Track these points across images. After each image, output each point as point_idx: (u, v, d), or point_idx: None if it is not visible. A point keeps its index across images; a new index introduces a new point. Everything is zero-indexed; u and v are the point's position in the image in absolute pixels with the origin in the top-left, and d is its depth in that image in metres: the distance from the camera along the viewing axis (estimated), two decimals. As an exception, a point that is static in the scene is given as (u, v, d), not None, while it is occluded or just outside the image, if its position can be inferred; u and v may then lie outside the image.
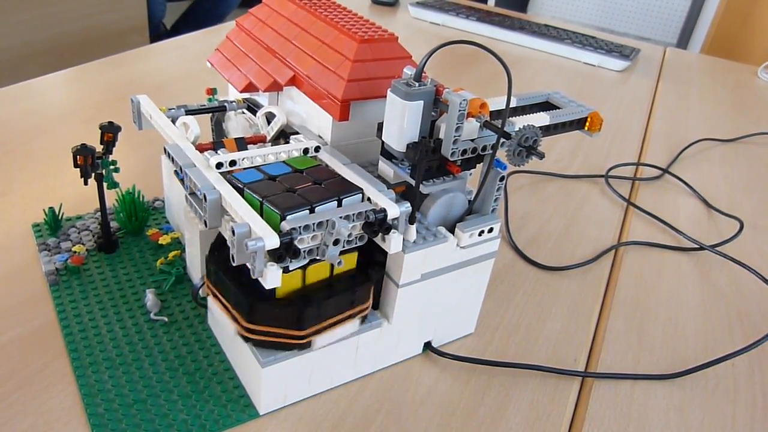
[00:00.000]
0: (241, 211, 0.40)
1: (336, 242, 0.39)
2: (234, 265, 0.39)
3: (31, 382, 0.45)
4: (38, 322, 0.50)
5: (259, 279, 0.38)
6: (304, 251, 0.39)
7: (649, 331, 0.59)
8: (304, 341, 0.42)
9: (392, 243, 0.42)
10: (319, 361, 0.45)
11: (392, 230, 0.42)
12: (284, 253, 0.37)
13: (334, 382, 0.48)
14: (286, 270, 0.40)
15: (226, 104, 0.58)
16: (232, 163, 0.45)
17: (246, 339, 0.43)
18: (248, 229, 0.38)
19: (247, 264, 0.38)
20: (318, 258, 0.40)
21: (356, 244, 0.42)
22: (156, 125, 0.53)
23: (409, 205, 0.43)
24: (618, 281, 0.65)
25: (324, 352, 0.45)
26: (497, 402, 0.49)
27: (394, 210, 0.42)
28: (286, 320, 0.41)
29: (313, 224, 0.39)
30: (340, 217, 0.39)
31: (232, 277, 0.43)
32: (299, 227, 0.38)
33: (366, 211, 0.41)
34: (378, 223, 0.41)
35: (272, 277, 0.38)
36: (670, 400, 0.51)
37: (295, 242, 0.38)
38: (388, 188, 0.45)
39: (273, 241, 0.37)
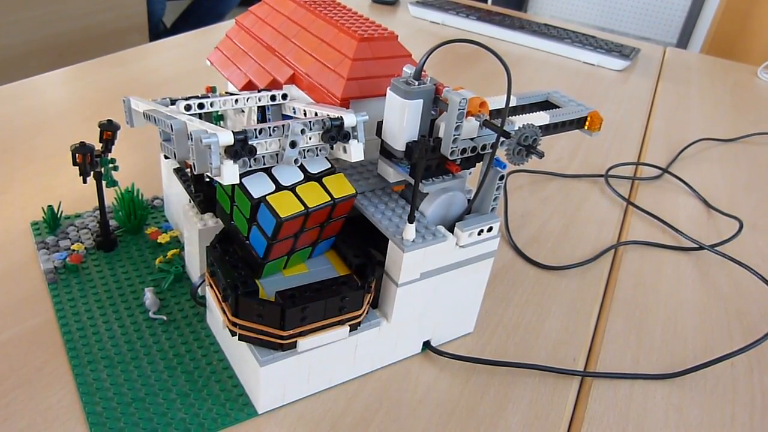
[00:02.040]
0: (201, 126, 0.41)
1: (293, 144, 0.41)
2: (195, 173, 0.41)
3: (29, 381, 0.45)
4: (37, 321, 0.50)
5: (216, 178, 0.39)
6: (264, 156, 0.40)
7: (648, 330, 0.59)
8: (287, 342, 0.42)
9: (353, 151, 0.43)
10: (318, 360, 0.45)
11: (351, 139, 0.43)
12: (240, 150, 0.39)
13: (333, 381, 0.48)
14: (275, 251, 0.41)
15: (209, 95, 0.57)
16: (200, 106, 0.47)
17: (232, 333, 0.43)
18: (205, 132, 0.39)
19: (207, 171, 0.39)
20: (278, 163, 0.42)
21: (317, 154, 0.43)
22: (142, 108, 0.52)
23: (365, 114, 0.44)
24: (617, 281, 0.65)
25: (322, 352, 0.45)
26: (496, 401, 0.49)
27: (351, 118, 0.43)
28: (270, 319, 0.41)
29: (270, 128, 0.40)
30: (295, 121, 0.41)
31: (225, 271, 0.43)
32: (255, 130, 0.40)
33: (323, 119, 0.42)
34: (335, 130, 0.42)
35: (229, 173, 0.38)
36: (669, 399, 0.51)
37: (251, 142, 0.39)
38: (386, 187, 0.45)
39: (227, 137, 0.38)
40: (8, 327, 0.50)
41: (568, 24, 1.53)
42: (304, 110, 0.49)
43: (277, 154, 0.41)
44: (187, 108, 0.48)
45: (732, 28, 2.56)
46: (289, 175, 0.44)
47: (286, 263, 0.46)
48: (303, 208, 0.42)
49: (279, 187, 0.43)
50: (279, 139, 0.41)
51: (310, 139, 0.43)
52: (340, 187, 0.44)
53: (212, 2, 2.48)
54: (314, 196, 0.43)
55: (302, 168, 0.44)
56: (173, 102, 0.55)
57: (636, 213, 0.78)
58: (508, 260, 0.66)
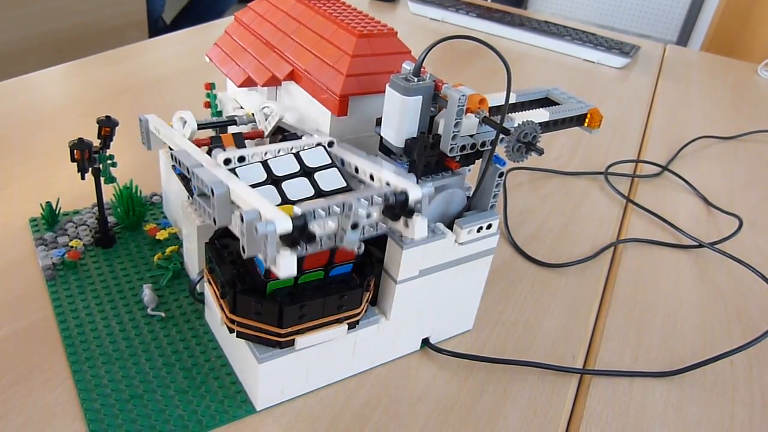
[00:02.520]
0: (250, 198, 0.38)
1: (354, 226, 0.36)
2: (244, 257, 0.36)
3: (27, 378, 0.45)
4: (35, 317, 0.50)
5: (272, 268, 0.35)
6: (321, 237, 0.36)
7: (647, 328, 0.59)
8: (285, 339, 0.42)
9: (417, 227, 0.38)
10: (317, 358, 0.45)
11: (415, 213, 0.38)
12: (298, 237, 0.34)
13: (332, 378, 0.48)
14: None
15: (236, 118, 0.57)
16: (241, 159, 0.44)
17: (230, 330, 0.43)
18: (258, 215, 0.35)
19: (259, 254, 0.35)
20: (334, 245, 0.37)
21: (375, 232, 0.39)
22: (165, 139, 0.51)
23: (431, 185, 0.40)
24: (617, 278, 0.65)
25: (321, 349, 0.44)
26: (495, 399, 0.49)
27: (416, 192, 0.38)
28: (268, 316, 0.41)
29: (329, 207, 0.36)
30: (359, 199, 0.36)
31: (223, 266, 0.43)
32: (313, 210, 0.35)
33: (386, 193, 0.38)
34: (399, 206, 0.38)
35: (286, 265, 0.35)
36: (668, 397, 0.51)
37: (310, 226, 0.35)
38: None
39: (285, 225, 0.34)
40: (6, 324, 0.49)
41: (568, 21, 1.53)
42: (356, 166, 0.45)
43: (335, 235, 0.37)
44: (227, 162, 0.43)
45: (732, 25, 2.55)
46: (298, 190, 0.41)
47: (296, 283, 0.43)
48: None
49: (285, 201, 0.41)
50: (338, 218, 0.36)
51: (369, 215, 0.37)
52: None
53: (212, -1, 2.47)
54: None
55: (314, 184, 0.42)
56: (200, 126, 0.53)
57: (636, 211, 0.78)
58: (508, 257, 0.66)
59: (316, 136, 0.49)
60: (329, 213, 0.36)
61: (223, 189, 0.40)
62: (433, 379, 0.49)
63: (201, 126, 0.54)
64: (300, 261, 0.40)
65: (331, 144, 0.47)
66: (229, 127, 0.61)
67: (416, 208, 0.39)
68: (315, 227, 0.36)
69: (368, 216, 0.37)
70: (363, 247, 0.38)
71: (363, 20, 0.53)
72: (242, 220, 0.35)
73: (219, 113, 0.65)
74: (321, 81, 0.50)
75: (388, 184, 0.41)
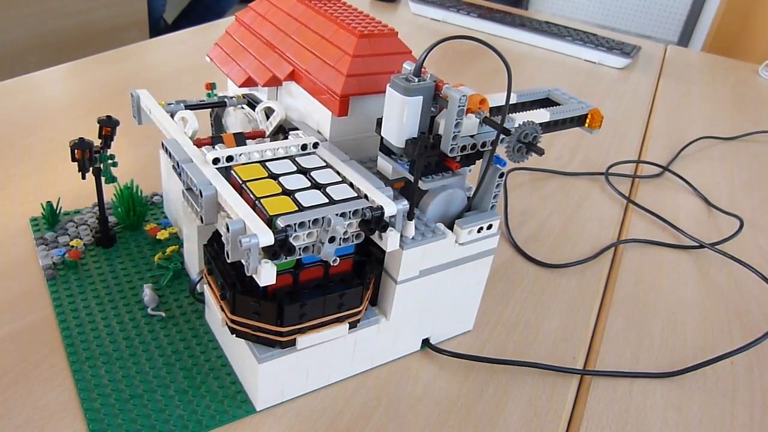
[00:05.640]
0: (236, 207, 0.39)
1: (332, 239, 0.39)
2: (228, 261, 0.39)
3: (27, 377, 0.45)
4: (35, 317, 0.50)
5: (254, 276, 0.38)
6: (300, 248, 0.39)
7: (648, 329, 0.58)
8: (286, 339, 0.42)
9: (389, 241, 0.42)
10: (317, 358, 0.45)
11: (389, 228, 0.41)
12: (279, 250, 0.37)
13: (332, 379, 0.48)
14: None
15: (225, 99, 0.58)
16: (229, 158, 0.45)
17: (231, 330, 0.43)
18: (243, 226, 0.38)
19: (242, 260, 0.38)
20: (315, 255, 0.40)
21: (353, 241, 0.41)
22: (155, 120, 0.53)
23: (406, 202, 0.42)
24: (617, 279, 0.65)
25: (321, 349, 0.44)
26: (495, 399, 0.48)
27: (392, 208, 0.41)
28: (268, 316, 0.41)
29: (309, 221, 0.38)
30: (336, 215, 0.39)
31: (222, 267, 0.43)
32: (294, 224, 0.38)
33: (363, 209, 0.40)
34: (375, 221, 0.41)
35: (266, 275, 0.37)
36: (668, 398, 0.51)
37: (290, 239, 0.38)
38: (386, 185, 0.44)
39: (267, 239, 0.37)
40: (6, 323, 0.49)
41: (569, 22, 1.53)
42: (338, 172, 0.46)
43: (313, 246, 0.39)
44: (215, 161, 0.44)
45: (733, 26, 2.55)
46: (297, 183, 0.43)
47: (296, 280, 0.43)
48: (297, 208, 0.40)
49: (284, 192, 0.41)
50: (317, 231, 0.39)
51: (346, 231, 0.40)
52: None
53: (213, -1, 2.47)
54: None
55: (325, 192, 0.42)
56: (188, 107, 0.54)
57: (636, 211, 0.78)
58: (508, 258, 0.66)
59: (302, 134, 0.49)
60: (309, 227, 0.39)
61: (211, 191, 0.42)
62: (433, 380, 0.49)
63: (191, 106, 0.55)
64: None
65: (315, 145, 0.48)
66: (228, 125, 0.61)
67: (390, 223, 0.42)
68: (294, 240, 0.38)
69: (345, 232, 0.40)
70: (338, 261, 0.40)
71: (364, 20, 0.53)
72: (228, 229, 0.37)
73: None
74: (321, 81, 0.50)
75: (366, 196, 0.42)
